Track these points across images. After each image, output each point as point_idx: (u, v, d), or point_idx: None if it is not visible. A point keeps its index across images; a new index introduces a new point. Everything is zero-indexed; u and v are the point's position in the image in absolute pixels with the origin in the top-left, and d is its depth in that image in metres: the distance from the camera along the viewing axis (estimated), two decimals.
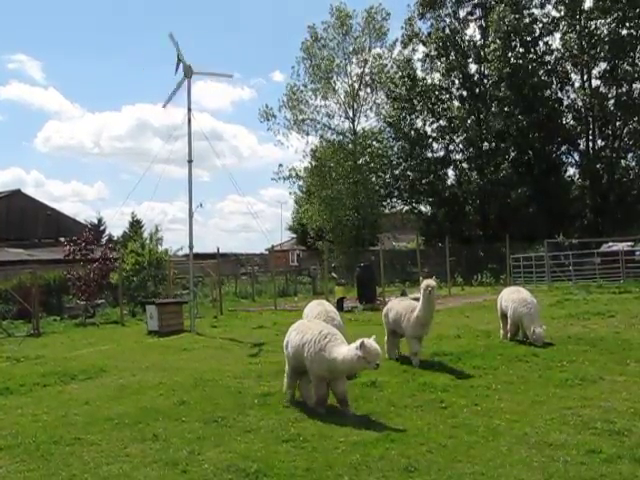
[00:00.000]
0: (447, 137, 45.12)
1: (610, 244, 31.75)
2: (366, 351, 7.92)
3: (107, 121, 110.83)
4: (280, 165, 42.48)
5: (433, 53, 44.07)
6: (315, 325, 9.06)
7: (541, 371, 10.41)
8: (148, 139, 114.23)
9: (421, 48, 44.55)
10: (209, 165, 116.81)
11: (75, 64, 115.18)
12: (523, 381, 9.72)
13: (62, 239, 40.86)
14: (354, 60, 40.56)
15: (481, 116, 43.36)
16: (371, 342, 8.05)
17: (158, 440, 7.68)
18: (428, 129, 45.52)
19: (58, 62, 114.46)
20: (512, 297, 13.51)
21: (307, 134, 41.01)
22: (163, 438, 7.74)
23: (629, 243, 31.24)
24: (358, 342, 8.01)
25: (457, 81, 44.44)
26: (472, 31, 44.62)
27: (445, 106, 44.97)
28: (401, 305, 12.48)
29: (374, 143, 42.45)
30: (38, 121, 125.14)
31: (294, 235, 63.24)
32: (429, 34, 44.04)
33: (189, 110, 21.34)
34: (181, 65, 21.22)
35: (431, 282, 11.60)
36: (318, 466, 6.50)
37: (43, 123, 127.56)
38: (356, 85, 40.65)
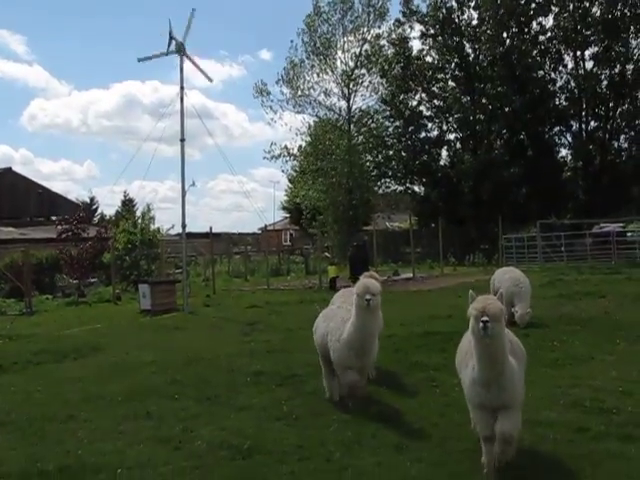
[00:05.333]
0: (441, 117, 45.00)
1: (602, 225, 31.92)
2: (356, 289, 7.46)
3: (95, 99, 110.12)
4: (272, 143, 42.04)
5: (430, 32, 43.78)
6: (343, 312, 8.00)
7: (532, 351, 10.37)
8: (137, 117, 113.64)
9: (417, 27, 44.26)
10: (200, 144, 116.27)
11: (60, 39, 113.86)
12: None
13: (54, 218, 40.76)
14: (352, 38, 40.18)
15: (475, 97, 43.24)
16: (361, 280, 7.80)
17: (151, 418, 7.73)
18: (423, 108, 45.41)
19: (42, 37, 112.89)
20: (505, 277, 13.56)
21: (303, 111, 40.75)
22: (156, 416, 7.78)
23: (620, 224, 31.40)
24: None
25: (453, 61, 44.19)
26: (468, 11, 44.26)
27: (440, 86, 44.80)
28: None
29: (369, 123, 42.25)
30: (23, 99, 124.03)
31: (287, 215, 63.11)
32: (426, 13, 43.71)
33: (181, 88, 21.15)
34: (173, 42, 21.02)
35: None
36: (310, 443, 6.56)
37: (28, 101, 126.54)
38: (352, 63, 40.37)
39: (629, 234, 30.21)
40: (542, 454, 5.77)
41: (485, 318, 5.13)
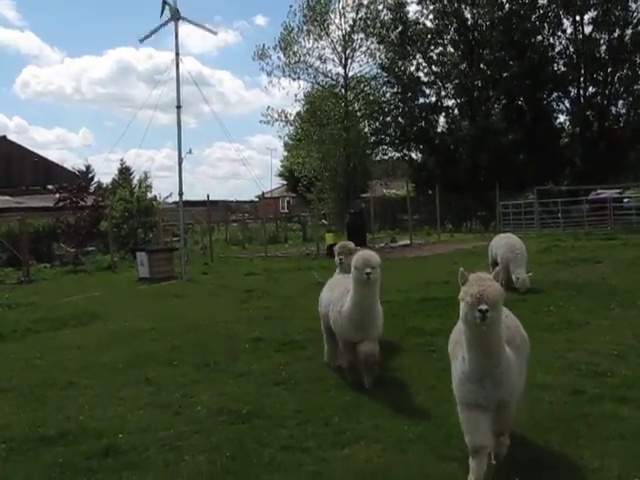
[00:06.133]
0: (439, 83, 44.64)
1: (599, 191, 31.89)
2: (354, 261, 7.04)
3: (88, 66, 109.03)
4: (269, 107, 41.59)
5: None
6: (347, 281, 7.47)
7: (528, 316, 10.51)
8: (132, 84, 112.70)
9: None
10: (196, 111, 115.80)
11: (51, 5, 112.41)
12: None
13: (50, 187, 40.63)
14: (350, 1, 39.60)
15: (474, 62, 42.85)
16: (359, 252, 7.32)
17: (151, 384, 7.80)
18: (421, 74, 45.04)
19: (32, 2, 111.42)
20: (501, 243, 13.60)
21: (298, 78, 40.39)
22: (156, 382, 7.85)
23: (617, 190, 31.39)
24: None
25: (451, 26, 43.67)
26: None
27: (438, 51, 44.37)
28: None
29: (366, 89, 41.90)
30: (16, 66, 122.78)
31: (284, 182, 62.96)
32: None
33: (177, 54, 20.87)
34: (167, 8, 20.70)
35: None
36: (309, 408, 6.63)
37: (21, 68, 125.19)
38: (348, 28, 39.86)
39: (626, 200, 30.20)
40: (538, 416, 5.85)
41: (484, 307, 4.32)
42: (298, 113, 41.22)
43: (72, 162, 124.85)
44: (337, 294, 7.61)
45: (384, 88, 43.45)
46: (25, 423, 6.58)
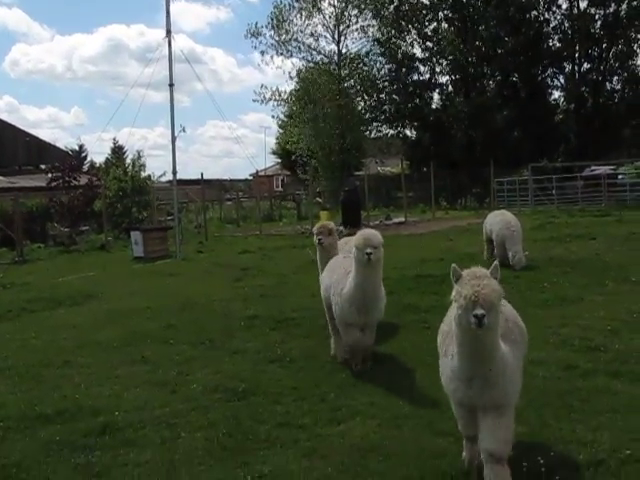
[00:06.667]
0: (433, 59, 44.34)
1: (593, 168, 31.90)
2: (355, 241, 6.76)
3: (78, 43, 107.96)
4: (262, 85, 41.33)
5: None
6: (348, 263, 7.22)
7: (522, 292, 10.59)
8: (124, 62, 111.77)
9: None
10: (188, 89, 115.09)
11: None
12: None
13: (43, 166, 40.36)
14: None
15: (468, 39, 42.54)
16: (360, 231, 7.05)
17: (147, 362, 7.82)
18: (415, 51, 44.74)
19: None
20: (496, 220, 13.57)
21: (291, 55, 40.12)
22: (152, 360, 7.88)
23: (611, 167, 31.40)
24: None
25: (446, 2, 43.22)
26: None
27: (433, 27, 44.02)
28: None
29: (360, 65, 41.65)
30: (4, 44, 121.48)
31: (278, 160, 62.74)
32: None
33: (168, 32, 20.63)
34: None
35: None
36: (305, 385, 6.67)
37: (10, 46, 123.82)
38: (341, 4, 39.51)
39: (620, 177, 30.20)
40: (532, 391, 5.89)
41: (480, 312, 3.78)
42: (292, 91, 41.04)
43: (65, 141, 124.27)
44: (337, 276, 7.29)
45: (378, 64, 43.26)
46: (22, 402, 6.60)
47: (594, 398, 5.73)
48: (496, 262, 4.21)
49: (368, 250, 6.57)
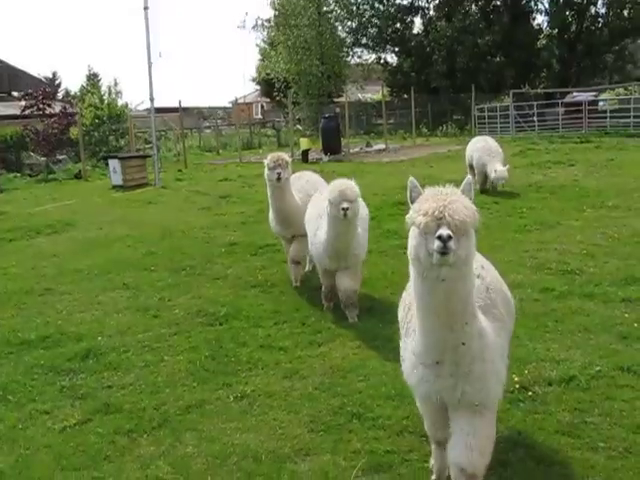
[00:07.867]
0: None
1: (575, 94, 31.70)
2: (329, 194, 5.93)
3: None
4: (246, 13, 40.37)
5: None
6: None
7: (501, 217, 10.72)
8: None
9: None
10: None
11: None
12: (484, 227, 9.85)
13: (15, 94, 39.31)
14: None
15: None
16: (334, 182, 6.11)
17: (128, 288, 7.87)
18: None
19: None
20: (478, 146, 13.55)
21: None
22: (133, 287, 7.93)
23: (593, 93, 31.22)
24: None
25: None
26: None
27: None
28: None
29: None
30: None
31: (258, 87, 61.59)
32: None
33: None
34: None
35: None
36: (285, 308, 6.78)
37: None
38: None
39: (601, 103, 30.09)
40: None
41: (446, 232, 2.71)
42: (269, 19, 40.14)
43: (37, 69, 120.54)
44: (314, 215, 6.57)
45: None
46: (5, 329, 6.65)
47: (568, 319, 5.90)
48: (469, 177, 3.20)
49: (344, 205, 5.74)
